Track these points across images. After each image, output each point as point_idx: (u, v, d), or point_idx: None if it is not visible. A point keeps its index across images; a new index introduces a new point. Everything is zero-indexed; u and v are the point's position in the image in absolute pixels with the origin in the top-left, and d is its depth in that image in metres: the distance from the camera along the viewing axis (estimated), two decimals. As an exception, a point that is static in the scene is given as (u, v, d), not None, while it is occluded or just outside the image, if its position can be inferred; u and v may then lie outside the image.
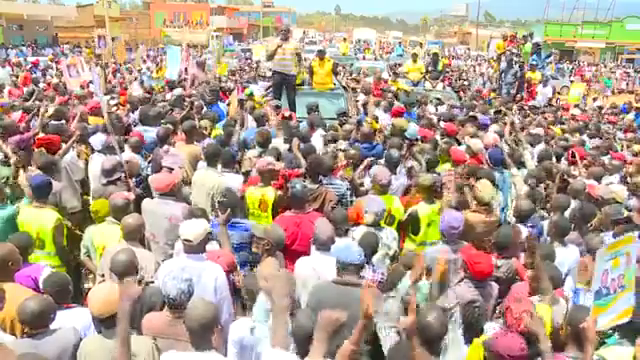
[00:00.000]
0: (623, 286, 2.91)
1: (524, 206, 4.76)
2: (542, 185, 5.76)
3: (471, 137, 6.85)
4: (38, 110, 7.09)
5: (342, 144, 6.40)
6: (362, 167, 5.49)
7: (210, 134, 7.01)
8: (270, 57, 8.91)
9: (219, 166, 5.31)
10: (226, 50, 25.01)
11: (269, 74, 10.85)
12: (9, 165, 5.42)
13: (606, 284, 2.85)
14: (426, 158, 5.74)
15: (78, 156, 6.09)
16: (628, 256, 2.89)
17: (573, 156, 6.48)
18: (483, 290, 3.64)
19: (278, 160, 5.34)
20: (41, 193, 4.45)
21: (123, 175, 5.09)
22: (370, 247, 3.87)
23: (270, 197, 4.78)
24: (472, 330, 3.18)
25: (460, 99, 12.16)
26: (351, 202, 5.12)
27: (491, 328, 3.37)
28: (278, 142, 6.18)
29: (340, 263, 3.40)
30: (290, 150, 5.91)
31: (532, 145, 7.22)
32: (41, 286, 3.60)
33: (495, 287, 3.79)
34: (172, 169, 5.05)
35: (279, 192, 4.77)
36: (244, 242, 4.24)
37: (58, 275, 3.53)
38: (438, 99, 10.76)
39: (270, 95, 9.48)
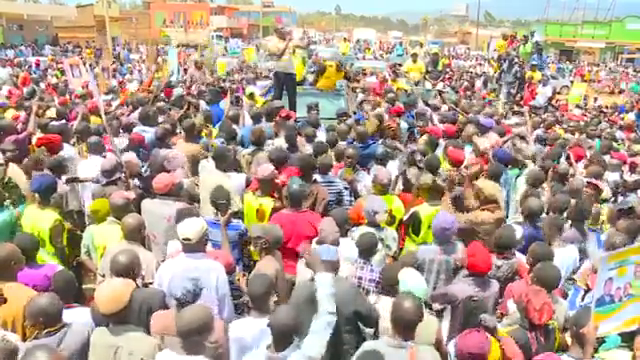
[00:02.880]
0: (630, 295, 2.90)
1: (533, 205, 4.71)
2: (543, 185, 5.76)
3: (470, 139, 6.89)
4: (31, 110, 7.10)
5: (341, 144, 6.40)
6: None
7: (210, 133, 7.02)
8: (280, 56, 8.83)
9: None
10: (232, 52, 24.99)
11: (265, 73, 10.81)
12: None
13: (610, 292, 2.85)
14: (426, 159, 5.75)
15: (79, 155, 6.09)
16: (638, 266, 2.88)
17: (568, 158, 6.49)
18: (483, 286, 3.65)
19: (284, 162, 5.28)
20: (44, 195, 4.46)
21: (123, 175, 5.10)
22: (369, 247, 3.87)
23: (267, 207, 4.71)
24: (472, 324, 3.18)
25: (467, 98, 12.16)
26: (350, 202, 5.13)
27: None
28: (278, 142, 6.17)
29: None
30: (289, 149, 5.92)
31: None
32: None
33: (495, 285, 3.81)
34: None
35: (277, 204, 4.72)
36: (234, 241, 4.28)
37: (65, 274, 3.52)
38: (440, 92, 10.79)
39: (270, 95, 9.49)
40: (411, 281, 3.23)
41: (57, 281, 3.37)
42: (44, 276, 3.65)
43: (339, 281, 3.41)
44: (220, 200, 4.26)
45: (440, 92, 10.89)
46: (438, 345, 3.18)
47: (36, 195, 4.51)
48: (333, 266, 3.44)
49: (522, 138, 7.36)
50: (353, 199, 5.20)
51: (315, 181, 5.02)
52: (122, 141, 6.23)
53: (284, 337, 2.76)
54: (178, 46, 28.35)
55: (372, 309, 3.38)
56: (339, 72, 9.74)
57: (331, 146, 6.16)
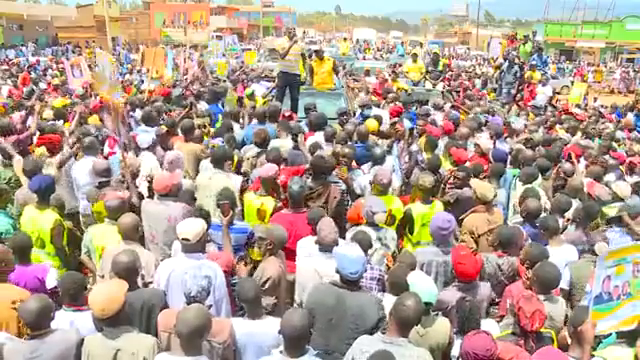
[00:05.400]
0: (629, 294, 2.91)
1: (532, 206, 4.70)
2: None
3: (466, 137, 6.90)
4: (32, 109, 7.12)
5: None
6: None
7: (208, 132, 7.05)
8: (283, 56, 8.89)
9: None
10: (231, 49, 25.01)
11: (267, 73, 10.80)
12: (12, 166, 5.43)
13: (608, 290, 2.85)
14: (427, 160, 5.76)
15: (75, 157, 6.08)
16: (637, 264, 2.88)
17: (569, 156, 6.50)
18: (473, 291, 3.64)
19: (279, 162, 5.28)
20: (43, 195, 4.46)
21: (122, 175, 5.10)
22: (363, 246, 3.82)
23: (269, 207, 4.69)
24: (468, 324, 3.18)
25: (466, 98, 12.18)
26: (347, 202, 5.13)
27: (488, 324, 3.38)
28: (279, 142, 6.18)
29: (340, 273, 3.33)
30: (295, 148, 5.92)
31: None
32: (48, 286, 3.63)
33: (486, 287, 3.80)
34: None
35: (279, 204, 4.73)
36: (240, 244, 4.26)
37: (74, 275, 3.46)
38: (449, 92, 10.83)
39: (271, 95, 9.51)
40: (420, 284, 3.21)
41: (65, 282, 3.31)
42: (34, 277, 3.66)
43: (362, 293, 3.36)
44: (221, 200, 4.25)
45: (449, 92, 10.92)
46: (449, 346, 3.19)
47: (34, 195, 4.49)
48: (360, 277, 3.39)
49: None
50: (349, 198, 5.20)
51: (326, 180, 5.01)
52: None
53: (297, 341, 2.75)
54: (178, 46, 28.39)
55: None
56: (322, 61, 9.73)
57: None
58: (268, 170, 4.81)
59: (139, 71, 18.02)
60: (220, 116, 8.05)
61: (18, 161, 5.46)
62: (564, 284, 3.96)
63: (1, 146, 5.70)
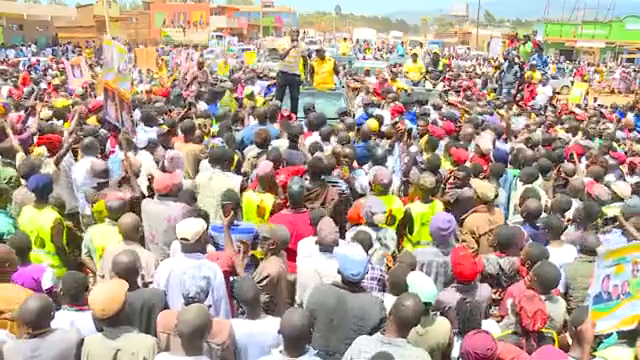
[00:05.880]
0: (628, 293, 2.90)
1: (532, 206, 4.69)
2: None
3: (470, 138, 6.90)
4: (33, 109, 7.11)
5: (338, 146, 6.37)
6: None
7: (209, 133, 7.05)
8: (283, 57, 8.93)
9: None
10: (228, 50, 25.08)
11: (266, 72, 10.83)
12: (13, 165, 5.43)
13: (607, 289, 2.85)
14: (427, 160, 5.76)
15: (75, 156, 6.08)
16: (636, 264, 2.88)
17: (572, 156, 6.50)
18: (472, 292, 3.63)
19: (279, 162, 5.29)
20: (40, 194, 4.45)
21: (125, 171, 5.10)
22: (364, 246, 3.81)
23: (268, 203, 4.71)
24: (469, 325, 3.17)
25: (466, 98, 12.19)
26: (349, 201, 5.13)
27: (489, 324, 3.38)
28: (279, 142, 6.17)
29: (342, 274, 3.30)
30: (291, 148, 5.92)
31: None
32: (44, 286, 3.61)
33: (485, 288, 3.79)
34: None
35: (278, 201, 4.73)
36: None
37: (75, 275, 3.43)
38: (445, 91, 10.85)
39: (270, 95, 9.52)
40: (420, 284, 3.20)
41: (66, 282, 3.29)
42: (30, 277, 3.64)
43: (364, 294, 3.34)
44: (225, 201, 4.24)
45: (445, 92, 10.92)
46: (449, 346, 3.18)
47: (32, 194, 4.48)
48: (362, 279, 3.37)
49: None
50: (352, 198, 5.21)
51: (324, 181, 5.01)
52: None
53: (297, 341, 2.74)
54: (178, 46, 28.46)
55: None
56: (323, 61, 9.74)
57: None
58: (264, 168, 4.82)
59: (140, 71, 18.04)
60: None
61: (21, 157, 5.47)
62: (560, 286, 3.96)
63: (12, 144, 5.69)
